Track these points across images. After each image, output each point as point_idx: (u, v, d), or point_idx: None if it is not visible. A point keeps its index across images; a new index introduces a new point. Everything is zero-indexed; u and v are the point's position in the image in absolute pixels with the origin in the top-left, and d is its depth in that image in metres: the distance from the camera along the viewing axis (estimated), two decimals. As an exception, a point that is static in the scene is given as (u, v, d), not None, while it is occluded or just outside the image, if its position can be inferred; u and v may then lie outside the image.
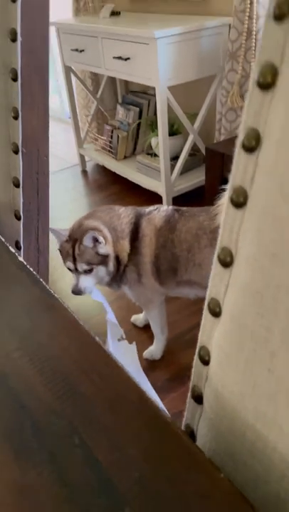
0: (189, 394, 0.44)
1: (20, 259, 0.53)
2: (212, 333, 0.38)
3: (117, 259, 1.26)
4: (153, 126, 2.39)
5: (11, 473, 0.31)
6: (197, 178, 2.26)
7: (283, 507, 0.32)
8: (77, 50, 2.33)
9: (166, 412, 0.37)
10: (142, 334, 1.61)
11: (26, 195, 0.64)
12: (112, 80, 2.80)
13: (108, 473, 0.31)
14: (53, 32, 2.51)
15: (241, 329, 0.33)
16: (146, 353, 1.50)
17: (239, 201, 0.32)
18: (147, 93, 2.62)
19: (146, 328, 1.59)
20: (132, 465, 0.32)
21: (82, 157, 2.92)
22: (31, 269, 0.51)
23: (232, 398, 0.35)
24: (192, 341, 1.57)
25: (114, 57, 2.06)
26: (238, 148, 0.29)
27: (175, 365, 1.48)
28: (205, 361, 0.40)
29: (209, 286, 0.38)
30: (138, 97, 2.63)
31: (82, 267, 1.23)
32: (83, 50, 2.29)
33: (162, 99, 1.91)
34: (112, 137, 2.61)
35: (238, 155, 0.29)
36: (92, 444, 0.33)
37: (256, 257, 0.30)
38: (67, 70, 2.64)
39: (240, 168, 0.29)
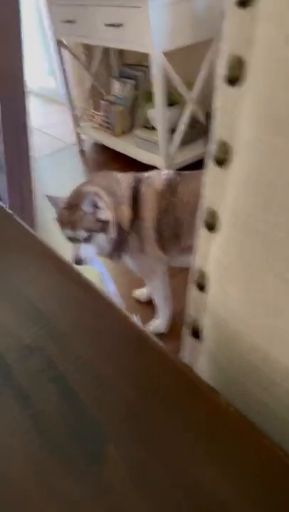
0: (187, 331, 0.38)
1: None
2: (208, 251, 0.33)
3: (119, 226, 1.21)
4: (150, 97, 2.30)
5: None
6: (198, 149, 2.19)
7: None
8: (68, 21, 2.24)
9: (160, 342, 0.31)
10: (146, 309, 1.56)
11: (7, 146, 0.59)
12: (106, 54, 2.71)
13: (91, 412, 0.26)
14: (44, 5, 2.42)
15: (243, 233, 0.27)
16: (150, 326, 1.45)
17: (234, 75, 0.26)
18: (143, 65, 2.53)
19: (151, 303, 1.54)
20: (119, 397, 0.26)
21: (79, 136, 2.84)
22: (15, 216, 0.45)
23: (235, 322, 0.30)
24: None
25: (106, 25, 1.98)
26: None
27: (181, 339, 1.43)
28: (202, 287, 0.34)
29: (203, 196, 0.32)
30: (134, 69, 2.54)
31: (81, 234, 1.16)
32: (74, 21, 2.20)
33: (158, 66, 1.83)
34: (108, 112, 2.53)
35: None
36: (73, 380, 0.28)
37: (258, 140, 0.24)
38: (59, 45, 2.56)
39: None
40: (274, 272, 0.25)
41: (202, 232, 0.32)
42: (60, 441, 0.25)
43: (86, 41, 2.30)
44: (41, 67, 4.10)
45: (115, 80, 2.59)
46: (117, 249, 1.25)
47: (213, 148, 0.29)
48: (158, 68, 1.83)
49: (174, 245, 1.25)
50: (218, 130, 0.28)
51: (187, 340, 0.37)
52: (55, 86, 3.92)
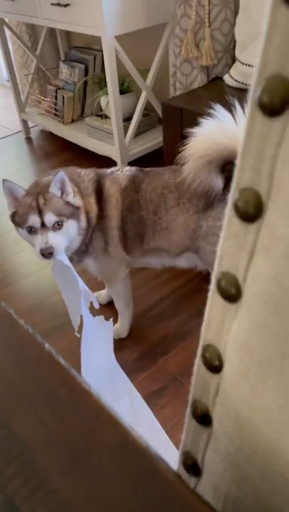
0: (188, 410, 0.31)
1: None
2: (225, 326, 0.25)
3: (86, 217, 1.11)
4: (101, 84, 2.18)
5: None
6: (153, 139, 2.10)
7: None
8: (9, -3, 2.05)
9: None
10: (106, 312, 1.48)
11: None
12: (52, 34, 2.53)
13: None
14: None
15: (278, 313, 0.20)
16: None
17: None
18: (92, 48, 2.39)
19: (110, 304, 1.46)
20: None
21: (25, 123, 2.66)
22: None
23: (264, 424, 0.23)
24: (160, 315, 1.46)
25: (52, 4, 1.82)
26: None
27: (144, 343, 1.37)
28: (213, 367, 0.27)
29: (219, 254, 0.24)
30: (82, 52, 2.39)
31: (50, 217, 1.02)
32: (16, -2, 2.01)
33: (110, 51, 1.71)
34: (56, 98, 2.37)
35: None
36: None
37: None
38: (0, 24, 2.35)
39: None
40: None
41: (215, 299, 0.25)
42: None
43: (29, 21, 2.12)
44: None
45: (63, 63, 2.43)
46: (79, 251, 1.15)
47: (234, 196, 0.22)
48: (110, 53, 1.72)
49: (138, 246, 1.18)
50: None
51: (189, 423, 0.30)
52: (-4, 67, 3.64)
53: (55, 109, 2.40)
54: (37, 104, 2.57)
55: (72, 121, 2.41)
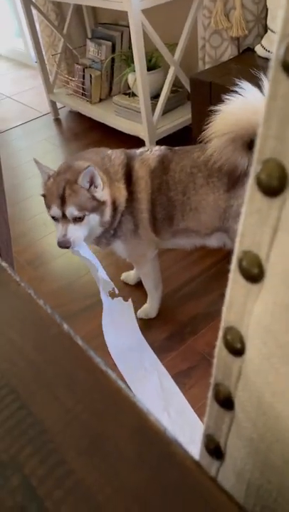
0: (210, 394, 0.30)
1: None
2: (247, 308, 0.24)
3: (113, 207, 1.10)
4: (128, 61, 2.13)
5: None
6: (182, 117, 2.05)
7: None
8: (34, -25, 2.02)
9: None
10: (135, 292, 1.48)
11: None
12: (78, 12, 2.49)
13: None
14: None
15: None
16: (140, 312, 1.38)
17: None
18: (119, 24, 2.34)
19: (139, 285, 1.46)
20: None
21: (53, 104, 2.66)
22: None
23: (288, 410, 0.22)
24: (190, 295, 1.45)
25: (77, -21, 1.78)
26: None
27: (173, 323, 1.37)
28: (236, 350, 0.26)
29: (240, 231, 0.23)
30: (109, 29, 2.35)
31: (72, 211, 1.01)
32: (41, -25, 1.98)
33: (137, 26, 1.67)
34: (84, 78, 2.35)
35: None
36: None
37: None
38: (27, 4, 2.33)
39: None
40: None
41: (237, 279, 0.24)
42: None
43: (56, -2, 2.09)
44: (9, 28, 3.79)
45: (90, 41, 2.39)
46: (107, 236, 1.15)
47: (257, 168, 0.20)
48: (137, 28, 1.67)
49: (167, 227, 1.16)
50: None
51: (212, 406, 0.29)
52: (24, 49, 3.64)
53: (83, 89, 2.38)
54: (65, 84, 2.56)
55: (100, 100, 2.38)
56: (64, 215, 1.03)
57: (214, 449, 0.32)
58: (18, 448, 0.22)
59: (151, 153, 1.15)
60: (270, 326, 0.22)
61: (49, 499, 0.20)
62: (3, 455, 0.22)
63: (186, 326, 1.35)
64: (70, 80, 2.46)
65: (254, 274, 0.23)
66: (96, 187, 1.04)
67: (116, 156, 1.14)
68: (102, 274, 1.14)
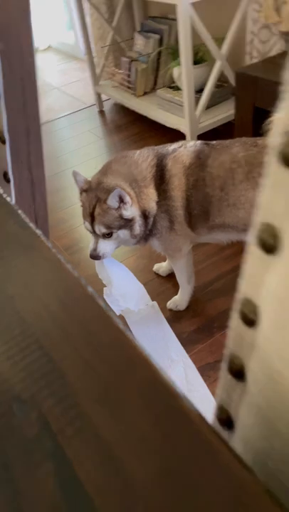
0: (223, 364, 0.31)
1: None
2: (262, 278, 0.25)
3: (144, 215, 1.12)
4: (175, 54, 2.14)
5: None
6: (225, 112, 2.04)
7: None
8: None
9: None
10: (166, 284, 1.50)
11: (10, 110, 0.50)
12: (128, 5, 2.51)
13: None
14: None
15: None
16: (170, 304, 1.39)
17: None
18: (168, 18, 2.34)
19: (170, 276, 1.47)
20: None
21: (98, 96, 2.70)
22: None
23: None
24: (220, 291, 1.45)
25: (129, -28, 1.80)
26: None
27: (202, 316, 1.38)
28: (249, 321, 0.26)
29: (259, 204, 0.24)
30: (158, 22, 2.36)
31: (100, 229, 1.09)
32: None
33: (185, 19, 1.67)
34: (130, 70, 2.37)
35: None
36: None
37: None
38: (79, -4, 2.38)
39: None
40: None
41: (253, 251, 0.24)
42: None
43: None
44: (61, 20, 3.88)
45: (138, 34, 2.41)
46: (144, 237, 1.18)
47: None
48: (185, 22, 1.67)
49: (203, 223, 1.16)
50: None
51: (225, 376, 0.30)
52: (74, 41, 3.71)
53: (128, 82, 2.41)
54: (111, 76, 2.60)
55: (145, 93, 2.40)
56: (94, 231, 1.11)
57: (226, 419, 0.33)
58: (37, 389, 0.24)
59: (185, 149, 1.14)
60: (286, 298, 0.23)
61: (61, 434, 0.22)
62: (25, 393, 0.24)
63: (214, 320, 1.35)
64: (117, 72, 2.50)
65: (270, 244, 0.24)
66: (125, 204, 1.07)
67: (143, 158, 1.14)
68: (132, 286, 1.20)
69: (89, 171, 1.34)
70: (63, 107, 2.89)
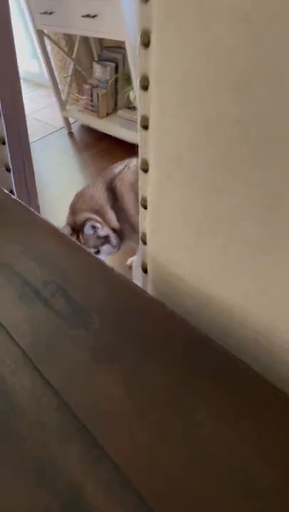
0: (140, 268, 0.61)
1: (14, 197, 0.69)
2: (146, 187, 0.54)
3: (114, 231, 1.44)
4: (129, 80, 2.46)
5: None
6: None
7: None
8: (46, 12, 2.38)
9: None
10: (138, 273, 1.79)
11: (12, 151, 0.80)
12: (85, 39, 2.84)
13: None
14: (20, -4, 2.54)
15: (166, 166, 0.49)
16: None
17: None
18: (121, 47, 2.67)
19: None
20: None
21: (66, 119, 3.01)
22: (22, 202, 0.68)
23: (168, 265, 0.52)
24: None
25: (82, 16, 2.13)
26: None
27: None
28: (144, 242, 0.56)
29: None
30: (113, 52, 2.68)
31: (90, 251, 1.42)
32: (52, 12, 2.34)
33: (133, 52, 1.99)
34: (92, 96, 2.69)
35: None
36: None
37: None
38: (40, 34, 2.69)
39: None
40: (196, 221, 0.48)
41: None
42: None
43: (65, 31, 2.44)
44: (23, 50, 4.19)
45: (96, 63, 2.73)
46: (120, 244, 1.49)
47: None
48: (133, 54, 2.00)
49: None
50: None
51: (142, 274, 0.59)
52: (39, 69, 4.02)
53: (92, 105, 2.72)
54: (76, 101, 2.91)
55: (107, 114, 2.72)
56: None
57: (145, 269, 0.61)
58: (54, 301, 0.53)
59: (129, 169, 1.43)
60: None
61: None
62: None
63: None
64: (80, 98, 2.81)
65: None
66: (98, 228, 1.39)
67: (95, 190, 1.45)
68: None
69: (63, 186, 1.63)
70: (35, 132, 3.18)
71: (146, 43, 0.42)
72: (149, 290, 0.57)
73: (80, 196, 1.49)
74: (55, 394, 0.39)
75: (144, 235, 0.55)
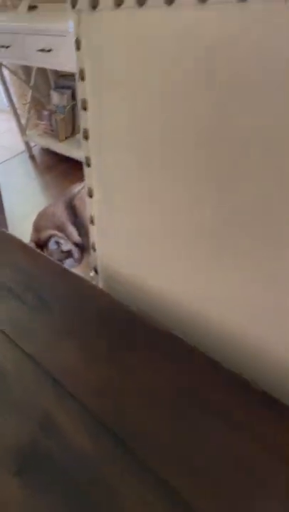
0: (92, 271, 0.78)
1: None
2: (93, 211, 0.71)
3: (76, 244, 1.59)
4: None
5: (2, 313, 0.65)
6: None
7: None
8: (3, 46, 2.54)
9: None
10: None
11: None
12: (42, 68, 3.02)
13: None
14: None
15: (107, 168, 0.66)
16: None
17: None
18: (76, 76, 2.86)
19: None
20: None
21: (27, 143, 3.15)
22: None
23: (112, 265, 0.69)
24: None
25: (37, 50, 2.30)
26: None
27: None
28: (94, 249, 0.73)
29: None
30: (69, 80, 2.87)
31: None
32: (9, 46, 2.50)
33: (86, 83, 2.18)
34: (51, 121, 2.86)
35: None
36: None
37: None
38: (-1, 65, 2.85)
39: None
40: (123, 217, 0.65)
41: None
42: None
43: (22, 63, 2.60)
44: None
45: (53, 91, 2.91)
46: (81, 258, 1.64)
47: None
48: (87, 84, 2.18)
49: None
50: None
51: (93, 274, 0.76)
52: (-2, 95, 4.16)
53: (51, 130, 2.89)
54: (35, 126, 3.06)
55: (66, 138, 2.89)
56: None
57: (94, 268, 0.78)
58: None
59: (85, 189, 1.61)
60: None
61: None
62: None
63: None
64: (40, 123, 2.97)
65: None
66: (61, 243, 1.54)
67: (56, 208, 1.58)
68: None
69: (27, 208, 1.77)
70: (-3, 156, 3.31)
71: (84, 108, 0.59)
72: (100, 285, 0.74)
73: (42, 215, 1.64)
74: (30, 359, 0.54)
75: (93, 244, 0.71)
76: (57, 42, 2.17)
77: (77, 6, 0.52)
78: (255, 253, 0.48)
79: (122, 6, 0.47)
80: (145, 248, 0.61)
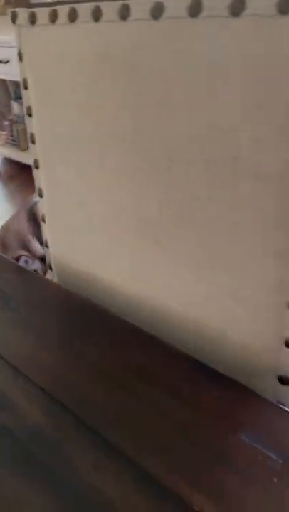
0: (48, 269, 0.82)
1: None
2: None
3: (42, 259, 1.60)
4: (46, 115, 2.68)
5: None
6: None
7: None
8: None
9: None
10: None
11: None
12: (1, 79, 3.04)
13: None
14: None
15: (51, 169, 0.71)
16: None
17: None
18: (36, 86, 2.89)
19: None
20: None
21: (-11, 154, 3.15)
22: None
23: (63, 260, 0.74)
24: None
25: (-5, 61, 2.33)
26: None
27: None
28: (47, 247, 0.77)
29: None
30: (28, 90, 2.90)
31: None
32: None
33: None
34: (12, 131, 2.87)
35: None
36: None
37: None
38: None
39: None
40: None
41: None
42: None
43: (-19, 74, 2.62)
44: None
45: (13, 101, 2.93)
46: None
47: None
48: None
49: None
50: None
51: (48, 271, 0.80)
52: None
53: (13, 140, 2.90)
54: (-3, 137, 3.07)
55: (28, 147, 2.91)
56: None
57: (48, 264, 0.83)
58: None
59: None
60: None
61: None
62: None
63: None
64: (1, 133, 2.98)
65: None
66: (29, 262, 1.56)
67: (18, 223, 1.56)
68: None
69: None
70: None
71: (29, 114, 0.64)
72: (55, 280, 0.78)
73: (6, 231, 1.63)
74: (-13, 347, 0.59)
75: (46, 242, 0.76)
76: (14, 53, 2.20)
77: (17, 22, 0.57)
78: (189, 245, 0.54)
79: (57, 22, 0.52)
80: (93, 241, 0.66)
